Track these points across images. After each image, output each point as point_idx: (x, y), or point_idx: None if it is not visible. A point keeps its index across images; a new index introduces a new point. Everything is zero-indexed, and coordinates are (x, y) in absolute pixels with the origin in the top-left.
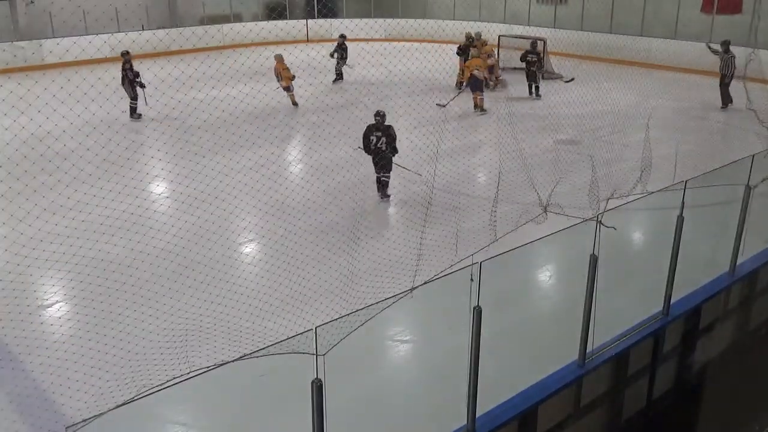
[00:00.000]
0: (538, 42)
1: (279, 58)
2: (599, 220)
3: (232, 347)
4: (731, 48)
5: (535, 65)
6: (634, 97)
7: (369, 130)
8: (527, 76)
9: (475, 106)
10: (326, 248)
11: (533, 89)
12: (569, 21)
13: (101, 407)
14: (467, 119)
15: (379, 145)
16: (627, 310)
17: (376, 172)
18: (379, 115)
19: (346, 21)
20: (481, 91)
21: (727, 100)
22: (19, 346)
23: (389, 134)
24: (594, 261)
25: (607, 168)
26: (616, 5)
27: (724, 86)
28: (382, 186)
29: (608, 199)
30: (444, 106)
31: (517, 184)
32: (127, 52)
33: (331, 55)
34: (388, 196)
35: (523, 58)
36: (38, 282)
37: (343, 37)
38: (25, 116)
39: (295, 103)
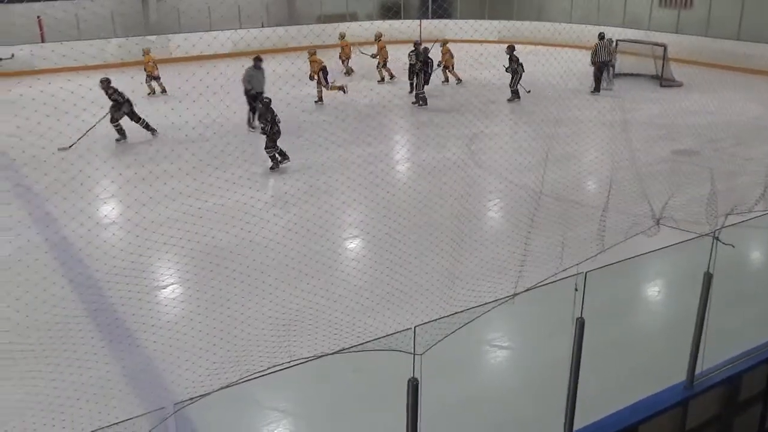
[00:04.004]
0: (424, 44)
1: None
2: (716, 236)
3: (332, 340)
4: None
5: (416, 67)
6: (761, 109)
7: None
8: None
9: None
10: (429, 248)
11: (417, 97)
12: (693, 26)
13: (206, 387)
14: (578, 125)
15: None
16: (741, 332)
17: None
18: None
19: (461, 22)
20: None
21: (599, 84)
22: (136, 323)
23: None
24: (708, 279)
25: (728, 182)
26: (747, 8)
27: (607, 70)
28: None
29: (727, 215)
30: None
31: (629, 194)
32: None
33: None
34: None
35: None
36: (156, 264)
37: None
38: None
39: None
